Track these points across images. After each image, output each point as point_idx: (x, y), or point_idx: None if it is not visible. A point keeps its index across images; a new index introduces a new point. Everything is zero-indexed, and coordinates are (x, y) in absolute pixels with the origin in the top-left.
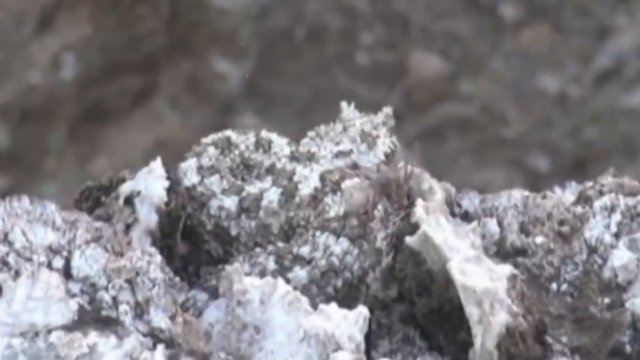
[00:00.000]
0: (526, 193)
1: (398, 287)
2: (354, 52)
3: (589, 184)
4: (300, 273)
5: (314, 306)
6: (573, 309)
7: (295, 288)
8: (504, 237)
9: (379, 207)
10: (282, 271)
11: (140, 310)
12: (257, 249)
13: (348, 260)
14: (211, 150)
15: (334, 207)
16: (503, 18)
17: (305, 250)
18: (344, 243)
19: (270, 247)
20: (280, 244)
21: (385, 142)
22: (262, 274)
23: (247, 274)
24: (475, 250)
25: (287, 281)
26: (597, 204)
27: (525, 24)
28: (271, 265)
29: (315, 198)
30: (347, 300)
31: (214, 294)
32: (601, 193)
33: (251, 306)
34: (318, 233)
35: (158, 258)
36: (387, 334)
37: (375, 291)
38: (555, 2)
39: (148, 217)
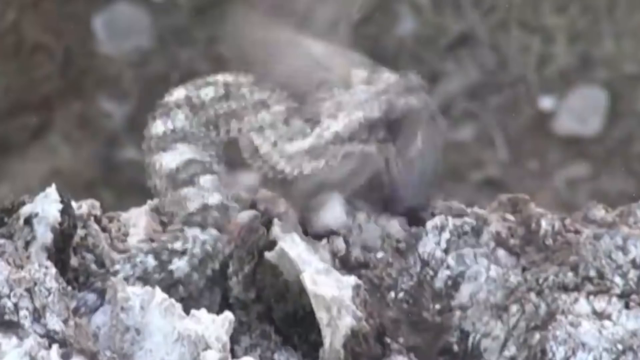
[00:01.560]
0: (368, 214)
1: (257, 291)
2: None
3: None
4: (180, 264)
5: (198, 290)
6: (408, 313)
7: (178, 278)
8: (349, 252)
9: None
10: (162, 266)
11: (37, 315)
12: (133, 251)
13: (219, 246)
14: None
15: (193, 200)
16: None
17: (178, 245)
18: (212, 231)
19: (145, 247)
20: (155, 244)
21: None
22: (145, 272)
23: (130, 275)
24: (324, 263)
25: (170, 273)
26: (429, 224)
27: None
28: (151, 262)
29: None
30: (221, 281)
31: (100, 295)
32: (432, 214)
33: (133, 311)
34: (186, 228)
35: (53, 270)
36: (247, 331)
37: (237, 293)
38: (393, 52)
39: (44, 235)
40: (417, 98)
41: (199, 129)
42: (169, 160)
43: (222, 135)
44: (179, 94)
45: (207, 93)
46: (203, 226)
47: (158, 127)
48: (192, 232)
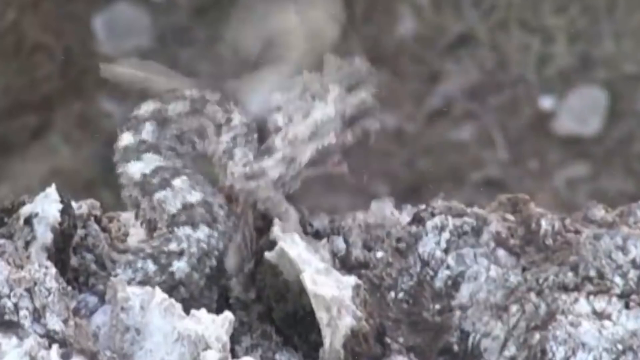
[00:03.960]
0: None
1: (257, 291)
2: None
3: (422, 206)
4: (180, 264)
5: (198, 289)
6: (408, 313)
7: (179, 280)
8: (349, 252)
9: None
10: (162, 269)
11: (37, 315)
12: (130, 257)
13: (213, 242)
14: None
15: (171, 202)
16: None
17: (174, 246)
18: (204, 229)
19: (141, 253)
20: (148, 249)
21: None
22: (146, 276)
23: (132, 280)
24: (324, 263)
25: (171, 275)
26: (429, 224)
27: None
28: (151, 267)
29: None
30: (218, 279)
31: (102, 297)
32: (432, 214)
33: (133, 311)
34: (175, 229)
35: (53, 270)
36: (248, 331)
37: (238, 293)
38: (392, 51)
39: (44, 235)
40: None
41: (166, 142)
42: (137, 169)
43: (189, 150)
44: (147, 107)
45: (175, 108)
46: (193, 224)
47: (126, 139)
48: (184, 231)
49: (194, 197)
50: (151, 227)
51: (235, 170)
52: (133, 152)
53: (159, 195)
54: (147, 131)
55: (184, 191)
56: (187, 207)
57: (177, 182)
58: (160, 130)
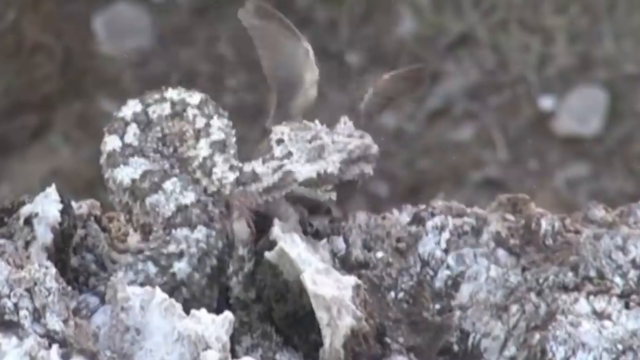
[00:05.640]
0: (369, 214)
1: (257, 291)
2: (222, 94)
3: (422, 206)
4: (181, 265)
5: (200, 289)
6: (408, 314)
7: (181, 280)
8: (349, 252)
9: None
10: (163, 271)
11: (37, 315)
12: (130, 259)
13: (212, 242)
14: None
15: (164, 205)
16: (349, 64)
17: (173, 248)
18: (202, 229)
19: (141, 256)
20: (147, 252)
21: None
22: (147, 278)
23: (133, 282)
24: (324, 263)
25: (173, 276)
26: (429, 224)
27: (367, 69)
28: (152, 269)
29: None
30: (219, 277)
31: (102, 297)
32: (432, 214)
33: (133, 311)
34: (173, 231)
35: (53, 270)
36: (248, 331)
37: (238, 293)
38: (393, 51)
39: (44, 236)
40: (369, 168)
41: (150, 145)
42: (126, 174)
43: (172, 152)
44: (129, 109)
45: (155, 111)
46: (190, 226)
47: (111, 143)
48: (182, 232)
49: (188, 198)
50: (146, 231)
51: (224, 175)
52: (119, 156)
53: (150, 199)
54: (131, 134)
55: (176, 193)
56: (181, 208)
57: (167, 184)
58: (144, 132)
